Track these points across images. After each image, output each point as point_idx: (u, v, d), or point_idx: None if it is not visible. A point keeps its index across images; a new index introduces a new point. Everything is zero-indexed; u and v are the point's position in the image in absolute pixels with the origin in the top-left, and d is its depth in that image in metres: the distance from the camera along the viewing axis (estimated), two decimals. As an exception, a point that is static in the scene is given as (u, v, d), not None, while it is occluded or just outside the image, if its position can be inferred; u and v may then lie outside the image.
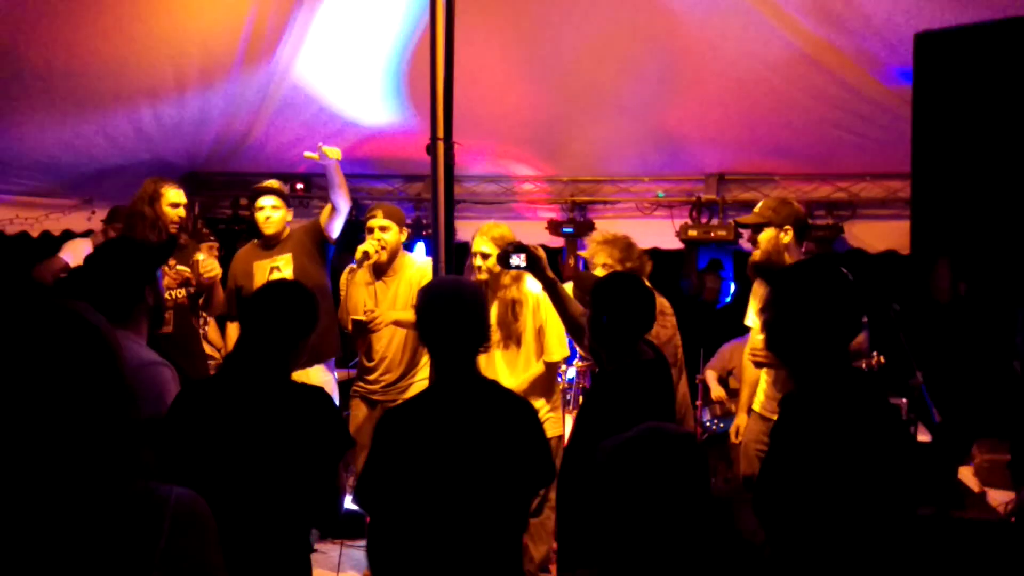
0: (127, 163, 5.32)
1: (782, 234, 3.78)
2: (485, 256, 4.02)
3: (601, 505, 1.61)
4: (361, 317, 4.20)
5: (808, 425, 2.00)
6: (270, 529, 2.28)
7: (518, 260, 3.06)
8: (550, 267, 3.24)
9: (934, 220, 2.52)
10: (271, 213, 4.53)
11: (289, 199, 4.74)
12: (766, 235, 3.80)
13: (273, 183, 4.62)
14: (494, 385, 2.41)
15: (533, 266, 3.11)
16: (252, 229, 5.30)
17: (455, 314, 2.32)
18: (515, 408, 2.36)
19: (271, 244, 4.58)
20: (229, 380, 2.39)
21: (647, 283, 3.36)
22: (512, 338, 4.07)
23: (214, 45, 4.36)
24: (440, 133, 2.90)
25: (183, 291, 4.30)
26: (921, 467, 2.15)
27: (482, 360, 4.00)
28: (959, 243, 2.60)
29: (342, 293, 4.50)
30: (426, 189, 5.78)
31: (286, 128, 5.27)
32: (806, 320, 2.05)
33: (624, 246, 4.06)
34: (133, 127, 4.98)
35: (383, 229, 4.28)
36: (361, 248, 4.26)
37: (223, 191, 6.01)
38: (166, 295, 4.27)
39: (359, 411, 4.43)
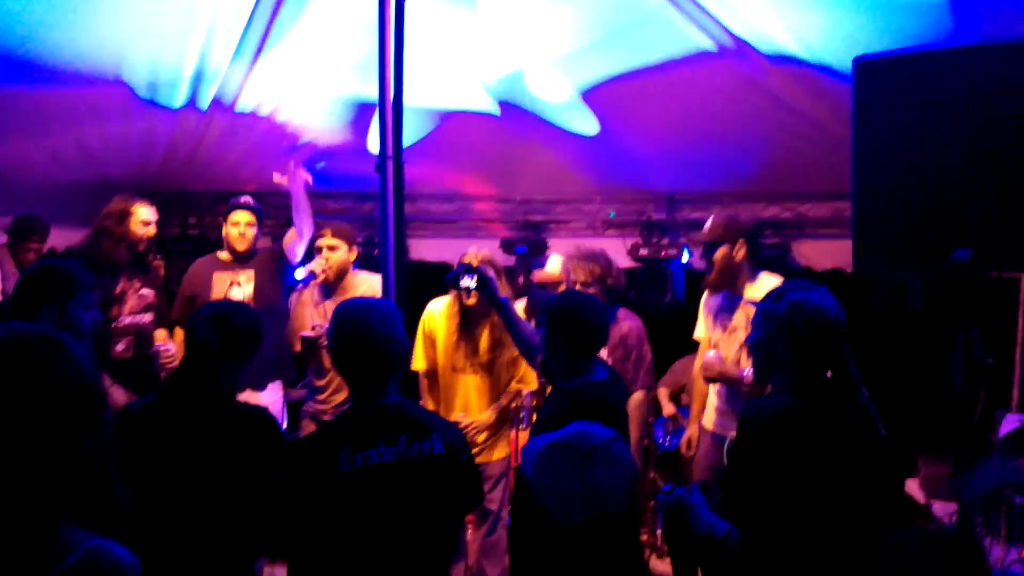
0: (70, 180, 5.21)
1: (736, 250, 3.83)
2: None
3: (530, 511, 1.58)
4: (310, 333, 4.15)
5: (784, 438, 2.03)
6: (213, 555, 2.22)
7: (468, 281, 3.04)
8: (506, 283, 3.23)
9: (874, 239, 2.58)
10: (246, 230, 4.54)
11: (263, 218, 4.72)
12: (720, 253, 3.85)
13: (249, 200, 4.60)
14: (413, 407, 2.29)
15: (483, 287, 3.09)
16: (204, 246, 5.26)
17: (366, 335, 2.17)
18: (438, 431, 2.21)
19: (235, 259, 4.55)
20: (171, 401, 2.34)
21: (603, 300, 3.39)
22: (497, 363, 4.03)
23: (162, 62, 4.30)
24: (390, 152, 2.89)
25: (147, 315, 4.23)
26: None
27: (460, 385, 4.01)
28: (899, 261, 2.66)
29: (291, 313, 4.46)
30: (378, 207, 5.76)
31: (236, 146, 5.21)
32: (785, 340, 2.11)
33: (605, 262, 4.04)
34: (75, 144, 4.88)
35: (331, 248, 4.25)
36: (307, 267, 4.22)
37: (172, 209, 5.90)
38: (129, 319, 4.22)
39: (308, 431, 4.38)
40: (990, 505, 3.52)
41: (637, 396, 4.12)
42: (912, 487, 5.12)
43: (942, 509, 4.53)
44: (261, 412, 2.40)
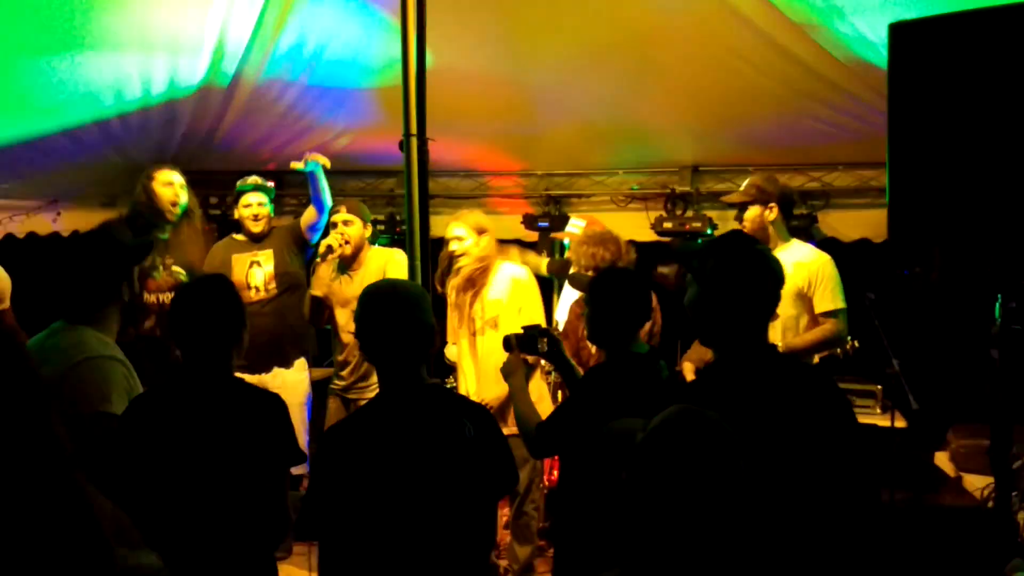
0: (92, 163, 5.21)
1: (767, 211, 3.80)
2: (460, 239, 4.05)
3: (628, 497, 1.53)
4: (317, 292, 4.18)
5: (725, 401, 2.00)
6: (225, 542, 2.21)
7: (542, 346, 2.91)
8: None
9: (910, 208, 2.52)
10: (259, 211, 4.56)
11: (275, 194, 4.74)
12: (751, 213, 3.83)
13: (256, 179, 4.60)
14: (443, 391, 2.29)
15: (554, 354, 2.95)
16: (226, 225, 5.27)
17: (395, 320, 2.14)
18: (469, 414, 2.19)
19: (253, 239, 4.57)
20: (175, 388, 2.33)
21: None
22: (492, 325, 4.05)
23: (182, 42, 4.27)
24: (413, 129, 2.86)
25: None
26: (858, 438, 2.12)
27: (464, 348, 4.05)
28: (935, 230, 2.60)
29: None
30: (398, 184, 5.72)
31: (255, 126, 5.19)
32: (724, 296, 2.05)
33: (615, 247, 4.01)
34: (98, 126, 4.88)
35: (347, 223, 4.27)
36: (325, 242, 4.23)
37: (193, 189, 5.90)
38: (154, 297, 4.25)
39: (333, 409, 4.39)
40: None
41: None
42: (942, 460, 5.08)
43: (973, 483, 4.48)
44: (272, 398, 2.39)
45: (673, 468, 1.47)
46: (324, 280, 4.23)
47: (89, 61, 4.19)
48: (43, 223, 5.80)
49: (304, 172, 4.42)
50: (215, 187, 5.76)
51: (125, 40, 4.13)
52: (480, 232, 4.08)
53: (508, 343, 2.96)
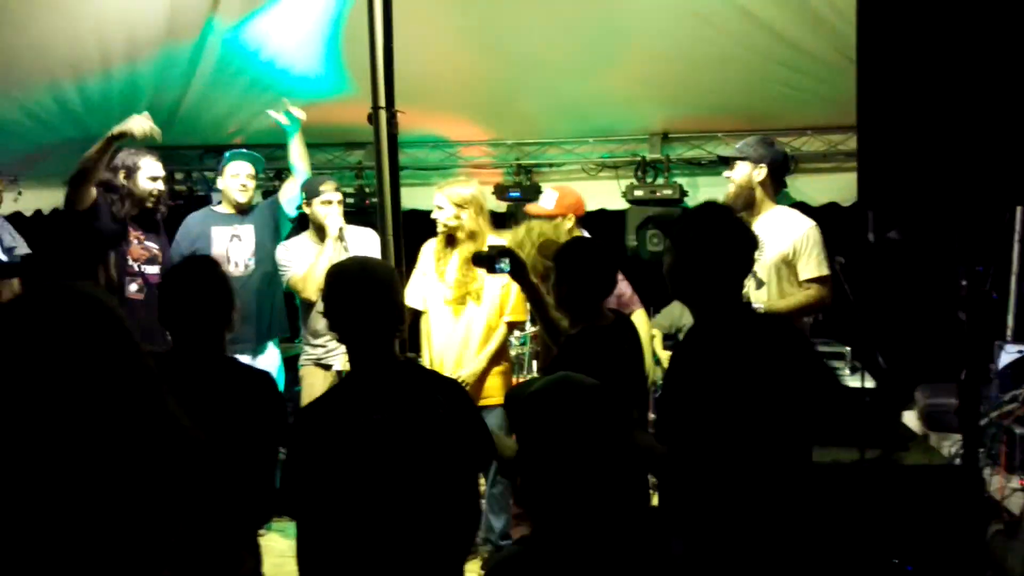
0: (53, 141, 5.09)
1: (756, 171, 3.77)
2: (440, 208, 4.03)
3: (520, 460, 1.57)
4: None
5: (704, 356, 2.16)
6: (213, 520, 2.20)
7: (503, 265, 2.97)
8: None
9: (880, 172, 2.54)
10: (247, 182, 4.49)
11: (262, 168, 4.69)
12: (740, 170, 3.81)
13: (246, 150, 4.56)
14: (415, 367, 2.29)
15: (517, 272, 3.02)
16: (191, 202, 5.20)
17: (364, 299, 2.13)
18: (442, 390, 2.19)
19: (235, 212, 4.50)
20: (166, 370, 2.30)
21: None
22: (473, 296, 4.04)
23: (140, 16, 4.17)
24: (381, 101, 2.82)
25: (154, 268, 4.21)
26: (830, 393, 2.35)
27: (444, 317, 4.04)
28: (905, 194, 2.62)
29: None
30: (367, 157, 5.67)
31: (219, 100, 5.09)
32: (701, 260, 2.20)
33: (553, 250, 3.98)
34: (56, 102, 4.77)
35: (340, 202, 4.36)
36: (336, 226, 4.24)
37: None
38: (133, 265, 4.23)
39: (314, 378, 4.37)
40: (990, 436, 3.56)
41: (637, 315, 4.09)
42: (909, 419, 5.18)
43: (940, 440, 4.58)
44: (262, 375, 2.38)
45: (545, 433, 1.50)
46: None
47: (44, 33, 4.08)
48: (4, 202, 5.66)
49: (284, 128, 4.40)
50: (180, 162, 5.66)
51: (81, 12, 4.02)
52: (461, 206, 4.02)
53: (476, 258, 3.13)
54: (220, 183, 4.55)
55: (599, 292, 2.79)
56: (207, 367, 2.28)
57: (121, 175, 4.16)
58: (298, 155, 4.46)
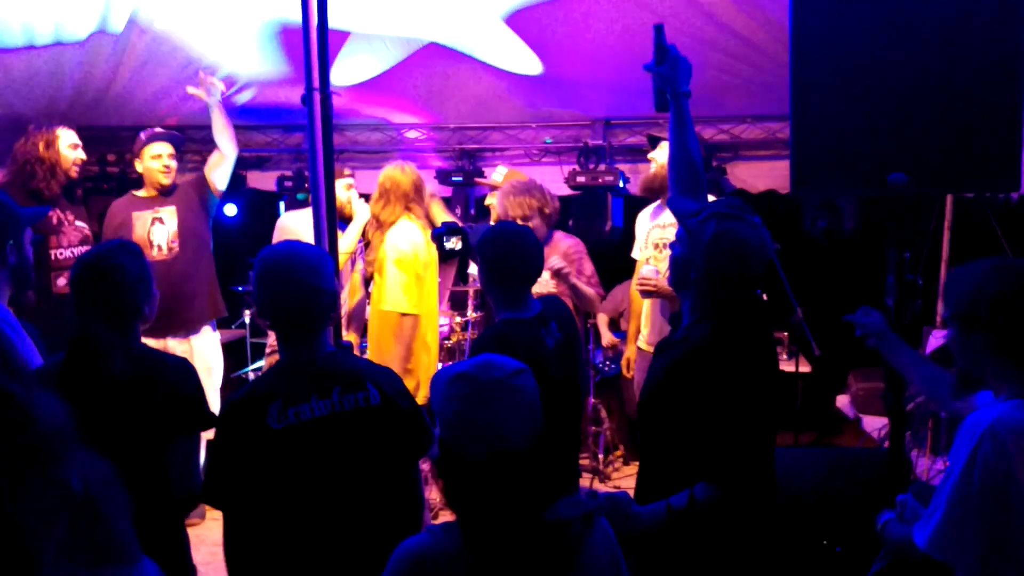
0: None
1: None
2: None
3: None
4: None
5: (732, 359, 2.04)
6: (134, 510, 2.15)
7: (452, 243, 2.92)
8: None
9: (812, 161, 2.57)
10: (170, 162, 4.37)
11: (182, 148, 4.61)
12: (662, 153, 3.83)
13: (164, 131, 4.45)
14: (347, 357, 2.19)
15: (469, 248, 2.98)
16: (124, 183, 5.07)
17: (293, 285, 2.05)
18: (374, 380, 2.11)
19: (156, 195, 4.38)
20: (78, 359, 2.23)
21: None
22: (379, 271, 4.09)
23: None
24: (316, 83, 2.76)
25: (85, 248, 4.10)
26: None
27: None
28: (836, 183, 2.66)
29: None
30: (307, 139, 5.57)
31: (152, 79, 4.93)
32: (712, 270, 2.08)
33: (540, 194, 4.00)
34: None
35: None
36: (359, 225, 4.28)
37: (89, 146, 5.62)
38: (68, 252, 4.18)
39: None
40: (917, 420, 3.67)
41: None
42: (843, 403, 5.31)
43: (871, 423, 4.70)
44: (179, 362, 2.33)
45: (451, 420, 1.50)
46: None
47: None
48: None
49: (208, 103, 4.34)
50: (111, 144, 5.49)
51: None
52: (382, 190, 4.11)
53: (432, 235, 3.17)
54: (139, 166, 4.42)
55: (523, 279, 2.71)
56: (117, 357, 2.21)
57: (41, 146, 4.05)
58: (219, 128, 4.36)
